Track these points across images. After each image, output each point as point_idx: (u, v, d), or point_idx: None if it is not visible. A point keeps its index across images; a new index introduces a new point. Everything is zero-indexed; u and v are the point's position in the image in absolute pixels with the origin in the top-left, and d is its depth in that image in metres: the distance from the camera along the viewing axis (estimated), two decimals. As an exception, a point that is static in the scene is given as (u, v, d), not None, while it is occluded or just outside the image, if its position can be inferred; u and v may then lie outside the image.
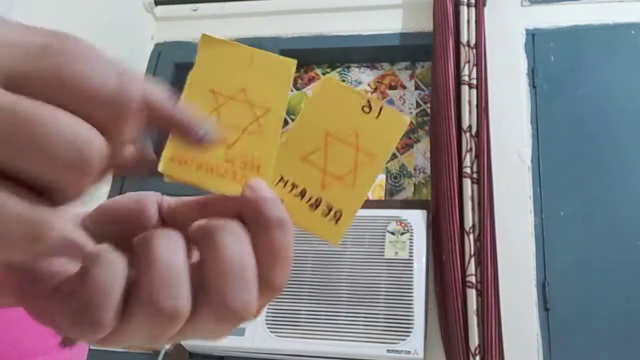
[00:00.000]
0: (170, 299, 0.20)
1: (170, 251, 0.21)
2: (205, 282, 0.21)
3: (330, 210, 0.27)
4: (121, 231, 0.25)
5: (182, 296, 0.20)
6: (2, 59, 0.16)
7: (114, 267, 0.20)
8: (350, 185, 0.27)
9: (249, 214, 0.24)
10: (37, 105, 0.16)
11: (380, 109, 0.27)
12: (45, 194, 0.17)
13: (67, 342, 0.20)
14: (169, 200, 0.27)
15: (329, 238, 0.27)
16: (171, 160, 0.25)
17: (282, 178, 0.27)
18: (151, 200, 0.26)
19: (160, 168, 0.25)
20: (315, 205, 0.27)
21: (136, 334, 0.21)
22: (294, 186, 0.27)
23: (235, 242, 0.22)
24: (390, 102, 2.22)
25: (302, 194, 0.27)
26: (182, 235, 0.22)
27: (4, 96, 0.16)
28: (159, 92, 0.21)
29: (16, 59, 0.16)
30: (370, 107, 0.27)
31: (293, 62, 0.27)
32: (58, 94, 0.16)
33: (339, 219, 0.27)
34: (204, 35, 0.27)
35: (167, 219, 0.26)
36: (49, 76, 0.16)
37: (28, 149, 0.16)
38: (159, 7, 2.40)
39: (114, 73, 0.17)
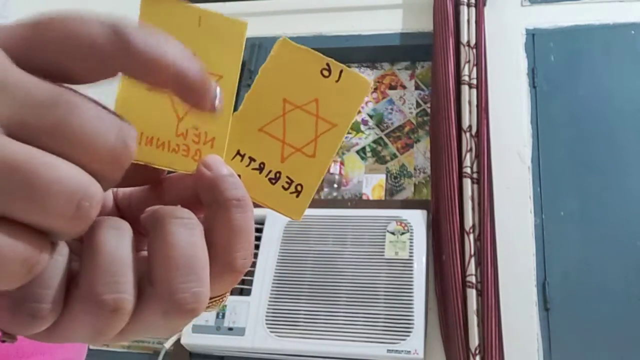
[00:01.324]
0: (112, 292, 0.19)
1: (114, 241, 0.20)
2: (152, 273, 0.20)
3: (290, 183, 0.25)
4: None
5: (124, 289, 0.19)
6: (3, 106, 0.16)
7: (54, 257, 0.19)
8: (310, 156, 0.25)
9: (206, 194, 0.23)
10: (39, 153, 0.16)
11: (341, 72, 0.25)
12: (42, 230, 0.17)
13: (7, 337, 0.19)
14: (124, 189, 0.26)
15: (290, 213, 0.25)
16: None
17: (238, 151, 0.25)
18: (109, 195, 0.25)
19: None
20: (275, 179, 0.25)
21: (79, 329, 0.20)
22: (251, 160, 0.25)
23: (184, 230, 0.21)
24: (391, 101, 2.22)
25: (261, 167, 0.25)
26: (129, 224, 0.21)
27: (4, 142, 0.16)
28: (183, 55, 0.19)
29: (19, 106, 0.16)
30: (330, 71, 0.25)
31: (244, 23, 0.25)
32: (58, 145, 0.17)
33: (300, 192, 0.25)
34: None
35: (122, 207, 0.26)
36: (51, 128, 0.17)
37: (26, 198, 0.16)
38: (159, 7, 2.40)
39: (115, 127, 0.18)
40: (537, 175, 1.81)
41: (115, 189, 0.26)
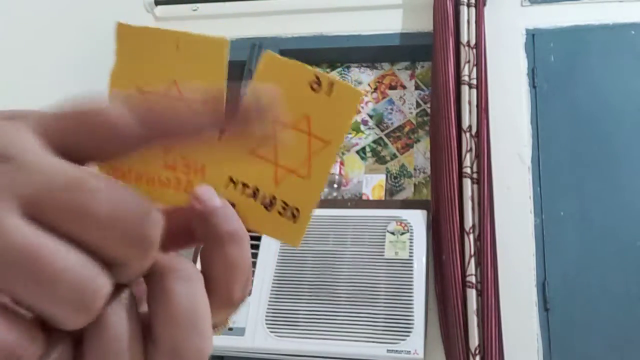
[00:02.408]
0: None
1: (117, 317, 0.19)
2: (154, 331, 0.20)
3: (286, 208, 0.24)
4: None
5: None
6: (25, 185, 0.16)
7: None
8: (305, 177, 0.24)
9: (199, 228, 0.22)
10: (51, 241, 0.16)
11: (331, 85, 0.24)
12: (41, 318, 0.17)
13: None
14: None
15: (288, 239, 0.24)
16: (108, 174, 0.22)
17: (231, 178, 0.24)
18: None
19: None
20: (270, 204, 0.24)
21: None
22: (245, 186, 0.24)
23: (184, 284, 0.20)
24: (391, 101, 2.22)
25: (255, 193, 0.24)
26: (131, 291, 0.21)
27: (18, 228, 0.16)
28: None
29: (39, 188, 0.17)
30: (319, 84, 0.24)
31: (224, 41, 0.23)
32: (76, 230, 0.17)
33: (296, 217, 0.24)
34: (119, 25, 0.23)
35: None
36: (69, 213, 0.17)
37: (32, 286, 0.16)
38: (159, 7, 2.40)
39: (138, 216, 0.18)
40: (537, 175, 1.81)
41: None
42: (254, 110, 0.21)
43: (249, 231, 0.23)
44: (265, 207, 0.24)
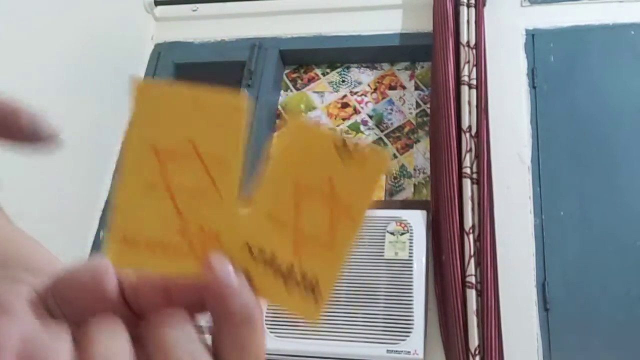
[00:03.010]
0: None
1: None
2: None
3: (305, 279, 0.23)
4: (76, 307, 0.21)
5: None
6: None
7: None
8: (326, 246, 0.23)
9: (211, 304, 0.21)
10: None
11: (357, 148, 0.23)
12: None
13: None
14: (131, 277, 0.23)
15: (305, 314, 0.23)
16: (120, 243, 0.22)
17: (247, 243, 0.23)
18: (110, 276, 0.22)
19: (107, 256, 0.22)
20: (288, 275, 0.23)
21: None
22: (261, 253, 0.23)
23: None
24: (390, 102, 2.22)
25: (272, 261, 0.23)
26: (135, 316, 0.20)
27: None
28: None
29: None
30: (345, 147, 0.23)
31: (242, 100, 0.22)
32: None
33: (315, 289, 0.23)
34: (138, 84, 0.22)
35: (129, 298, 0.23)
36: None
37: None
38: (159, 7, 2.40)
39: None
40: (537, 175, 1.81)
41: (120, 275, 0.23)
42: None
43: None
44: (283, 277, 0.23)
